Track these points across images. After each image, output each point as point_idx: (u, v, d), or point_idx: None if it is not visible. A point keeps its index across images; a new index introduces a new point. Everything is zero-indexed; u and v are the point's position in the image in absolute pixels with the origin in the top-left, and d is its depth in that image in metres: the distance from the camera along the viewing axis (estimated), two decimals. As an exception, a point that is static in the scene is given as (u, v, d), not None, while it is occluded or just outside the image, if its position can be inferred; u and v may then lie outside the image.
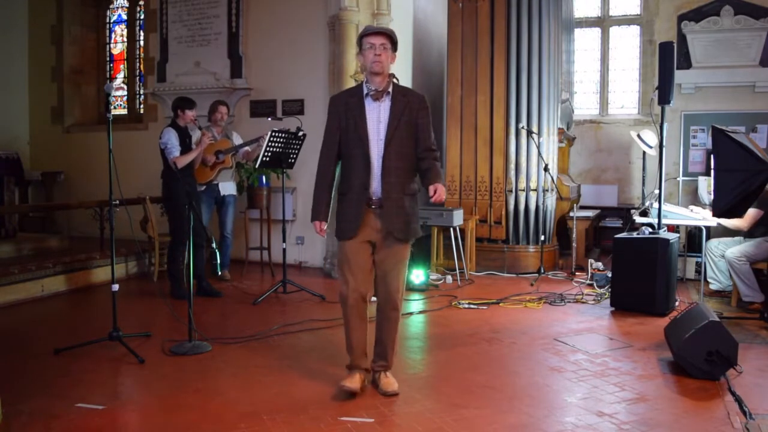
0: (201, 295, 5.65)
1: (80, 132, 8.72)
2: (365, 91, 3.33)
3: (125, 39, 9.00)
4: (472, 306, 5.42)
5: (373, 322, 3.50)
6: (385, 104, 3.32)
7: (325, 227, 3.43)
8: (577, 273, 6.74)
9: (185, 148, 5.52)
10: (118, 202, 4.23)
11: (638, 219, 5.89)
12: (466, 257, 6.69)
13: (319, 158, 3.45)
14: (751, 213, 5.10)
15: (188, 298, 4.28)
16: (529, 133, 6.77)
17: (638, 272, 5.15)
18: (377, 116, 3.31)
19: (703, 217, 5.59)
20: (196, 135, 5.75)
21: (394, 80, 3.38)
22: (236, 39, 7.47)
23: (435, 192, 3.22)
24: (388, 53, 3.26)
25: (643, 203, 6.90)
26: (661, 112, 5.46)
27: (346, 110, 3.33)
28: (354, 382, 3.38)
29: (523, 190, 6.88)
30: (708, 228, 5.88)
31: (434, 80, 8.45)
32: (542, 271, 6.66)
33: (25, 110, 8.97)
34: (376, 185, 3.30)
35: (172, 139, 5.44)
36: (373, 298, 3.50)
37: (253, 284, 6.33)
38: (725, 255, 5.35)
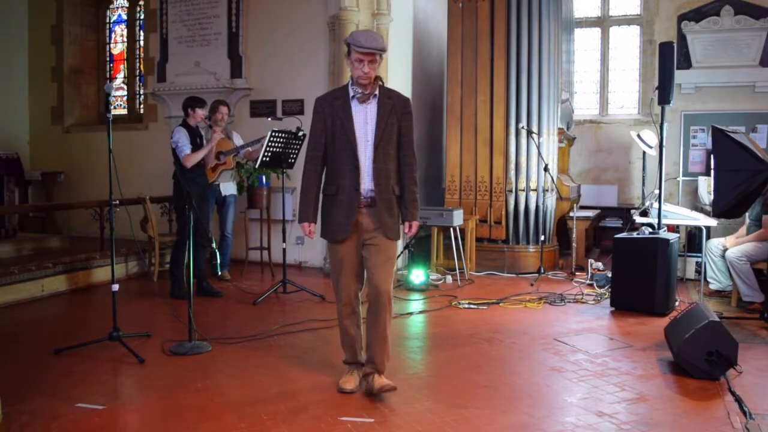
0: (201, 295, 5.65)
1: (80, 132, 8.73)
2: (351, 93, 3.34)
3: (125, 39, 9.01)
4: (472, 306, 5.42)
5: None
6: (372, 106, 3.34)
7: (314, 228, 3.47)
8: (577, 273, 6.74)
9: (196, 147, 5.56)
10: (118, 202, 4.23)
11: (638, 219, 5.90)
12: (466, 257, 6.69)
13: (305, 160, 3.46)
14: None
15: (188, 298, 4.28)
16: (529, 133, 6.77)
17: (638, 272, 5.15)
18: (364, 118, 3.33)
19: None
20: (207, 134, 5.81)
21: (380, 82, 3.39)
22: (236, 39, 7.47)
23: (409, 229, 3.44)
24: (376, 65, 3.27)
25: (643, 203, 6.90)
26: (661, 112, 5.46)
27: (332, 112, 3.35)
28: (351, 382, 3.45)
29: (523, 190, 6.88)
30: (708, 228, 5.88)
31: (434, 80, 8.45)
32: (542, 271, 6.66)
33: (25, 110, 8.98)
34: (365, 186, 3.32)
35: (182, 137, 5.48)
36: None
37: (253, 284, 6.33)
38: (726, 255, 5.35)
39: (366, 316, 3.47)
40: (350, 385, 3.43)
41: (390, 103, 3.35)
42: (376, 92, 3.34)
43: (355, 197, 3.31)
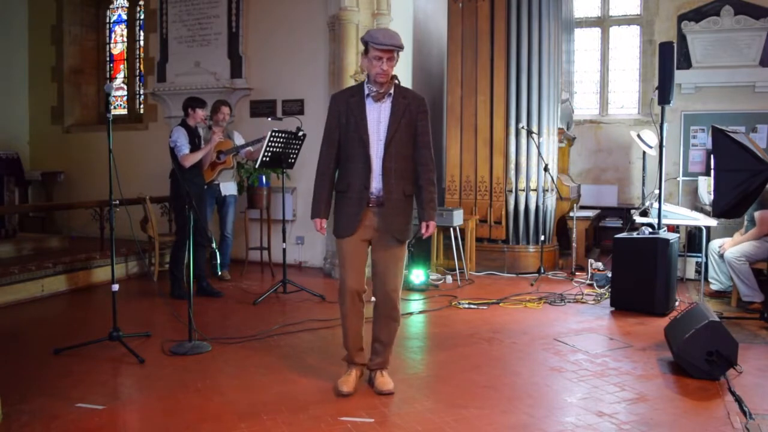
0: (201, 295, 5.65)
1: (80, 132, 8.73)
2: (366, 92, 3.33)
3: (125, 39, 9.01)
4: (472, 306, 5.42)
5: (370, 322, 3.51)
6: (386, 105, 3.32)
7: (325, 225, 3.45)
8: (577, 273, 6.73)
9: (195, 147, 5.56)
10: (118, 202, 4.23)
11: (638, 219, 5.90)
12: (466, 257, 6.69)
13: (319, 156, 3.45)
14: (763, 217, 5.12)
15: (188, 298, 4.28)
16: (529, 133, 6.77)
17: (638, 272, 5.15)
18: (377, 117, 3.31)
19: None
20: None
21: (396, 81, 3.38)
22: (236, 39, 7.48)
23: (426, 229, 3.38)
24: (394, 62, 3.26)
25: (643, 203, 6.90)
26: (661, 112, 5.46)
27: (347, 109, 3.33)
28: (349, 384, 3.41)
29: (523, 190, 6.88)
30: (708, 228, 5.88)
31: (434, 80, 8.45)
32: (542, 271, 6.66)
33: (25, 110, 8.98)
34: (375, 185, 3.31)
35: (181, 137, 5.48)
36: (372, 298, 3.50)
37: (253, 284, 6.33)
38: (724, 255, 5.35)
39: (373, 315, 3.48)
40: (347, 387, 3.39)
41: (404, 102, 3.33)
42: (391, 91, 3.32)
43: (364, 196, 3.29)
